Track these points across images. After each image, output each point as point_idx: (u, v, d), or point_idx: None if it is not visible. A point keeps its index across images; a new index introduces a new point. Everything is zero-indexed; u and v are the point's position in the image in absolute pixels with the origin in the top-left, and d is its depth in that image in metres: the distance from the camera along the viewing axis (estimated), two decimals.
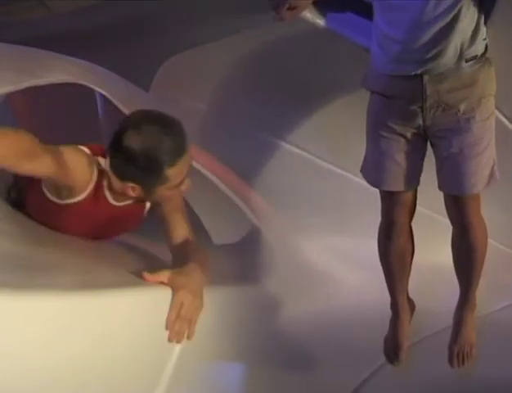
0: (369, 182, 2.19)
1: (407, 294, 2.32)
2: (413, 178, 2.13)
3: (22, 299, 1.38)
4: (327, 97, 2.92)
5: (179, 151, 1.91)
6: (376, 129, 2.12)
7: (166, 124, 1.91)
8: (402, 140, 2.08)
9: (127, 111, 2.61)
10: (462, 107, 2.00)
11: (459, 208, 2.08)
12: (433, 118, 2.02)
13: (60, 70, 2.46)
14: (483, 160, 2.03)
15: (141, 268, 1.76)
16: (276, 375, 2.23)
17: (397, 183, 2.12)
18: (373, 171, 2.16)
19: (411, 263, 2.25)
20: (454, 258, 2.20)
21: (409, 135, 2.07)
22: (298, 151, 3.09)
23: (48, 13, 2.92)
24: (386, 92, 2.08)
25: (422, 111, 2.02)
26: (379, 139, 2.10)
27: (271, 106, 3.01)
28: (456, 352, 2.26)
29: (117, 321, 1.58)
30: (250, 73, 2.96)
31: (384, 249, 2.24)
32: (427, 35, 1.95)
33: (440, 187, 2.11)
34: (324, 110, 2.95)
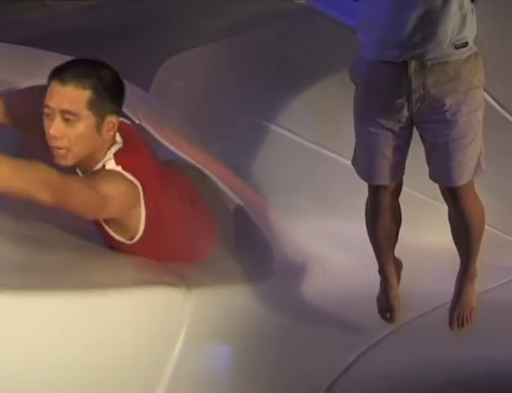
0: (361, 177, 2.19)
1: (393, 257, 2.34)
2: (401, 169, 2.14)
3: (23, 299, 1.38)
4: (316, 79, 2.88)
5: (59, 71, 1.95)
6: (364, 125, 2.08)
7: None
8: (391, 134, 2.05)
9: (127, 111, 2.61)
10: (448, 101, 1.96)
11: (452, 195, 2.09)
12: (418, 111, 1.99)
13: None
14: (470, 152, 2.02)
15: (142, 270, 1.76)
16: (275, 364, 2.24)
17: (388, 178, 2.12)
18: (365, 167, 2.15)
19: (398, 233, 2.26)
20: (452, 232, 2.20)
21: (397, 129, 2.05)
22: (288, 133, 3.06)
23: (48, 13, 2.92)
24: (371, 82, 2.03)
25: (408, 104, 1.99)
26: (369, 135, 2.08)
27: (260, 88, 2.99)
28: (456, 315, 2.28)
29: (117, 321, 1.58)
30: (240, 56, 2.94)
31: (371, 225, 2.25)
32: (413, 18, 1.87)
33: (430, 177, 2.11)
34: (313, 92, 2.90)
